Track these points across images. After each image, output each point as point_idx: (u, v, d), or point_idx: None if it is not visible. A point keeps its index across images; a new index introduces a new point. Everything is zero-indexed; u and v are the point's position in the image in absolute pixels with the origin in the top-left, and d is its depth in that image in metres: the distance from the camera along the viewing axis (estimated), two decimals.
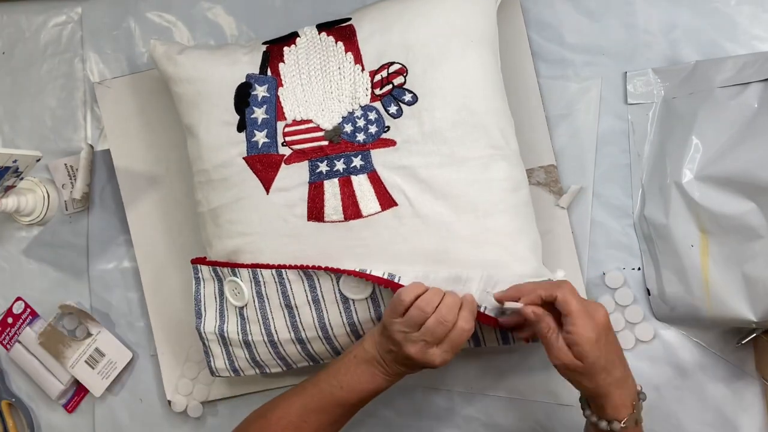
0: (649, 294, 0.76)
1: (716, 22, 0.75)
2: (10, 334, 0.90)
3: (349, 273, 0.66)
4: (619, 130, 0.77)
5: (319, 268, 0.68)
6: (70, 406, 0.89)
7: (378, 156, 0.68)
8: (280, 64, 0.72)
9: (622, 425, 0.61)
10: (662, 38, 0.76)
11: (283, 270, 0.69)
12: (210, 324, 0.75)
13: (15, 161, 0.76)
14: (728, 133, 0.69)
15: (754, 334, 0.71)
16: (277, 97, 0.71)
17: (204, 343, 0.76)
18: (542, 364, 0.77)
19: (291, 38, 0.73)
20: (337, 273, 0.67)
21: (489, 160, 0.67)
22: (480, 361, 0.79)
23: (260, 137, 0.70)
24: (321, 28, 0.72)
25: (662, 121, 0.75)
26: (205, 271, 0.75)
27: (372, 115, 0.69)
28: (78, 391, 0.89)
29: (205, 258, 0.76)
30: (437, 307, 0.62)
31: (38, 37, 0.92)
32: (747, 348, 0.73)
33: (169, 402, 0.85)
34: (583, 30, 0.78)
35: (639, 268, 0.76)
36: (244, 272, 0.71)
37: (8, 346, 0.90)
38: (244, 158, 0.71)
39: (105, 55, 0.90)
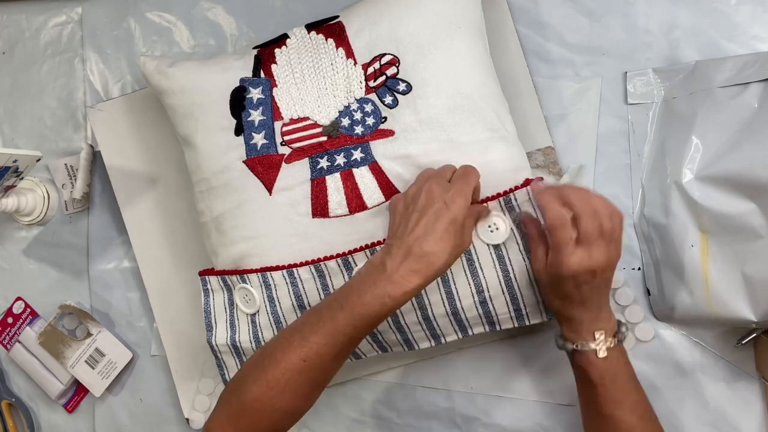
0: (649, 294, 0.76)
1: (716, 22, 0.75)
2: (10, 334, 0.90)
3: (361, 249, 0.67)
4: (619, 130, 0.77)
5: (330, 257, 0.68)
6: (70, 406, 0.89)
7: (377, 147, 0.68)
8: (273, 66, 0.72)
9: (574, 347, 0.63)
10: (662, 38, 0.76)
11: (294, 269, 0.69)
12: (221, 336, 0.74)
13: (15, 161, 0.76)
14: (728, 133, 0.69)
15: (754, 334, 0.71)
16: (273, 98, 0.71)
17: (217, 356, 0.75)
18: (542, 364, 0.77)
19: (281, 40, 0.73)
20: (348, 269, 0.68)
21: (487, 143, 0.67)
22: (480, 361, 0.79)
23: (258, 139, 0.70)
24: (310, 27, 0.72)
25: (662, 121, 0.75)
26: (214, 281, 0.74)
27: (368, 107, 0.69)
28: (78, 391, 0.89)
29: (212, 269, 0.75)
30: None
31: (38, 37, 0.92)
32: (747, 348, 0.73)
33: (187, 420, 0.85)
34: (583, 30, 0.78)
35: (639, 268, 0.76)
36: (254, 277, 0.70)
37: (8, 346, 0.90)
38: (243, 162, 0.70)
39: (105, 55, 0.90)
